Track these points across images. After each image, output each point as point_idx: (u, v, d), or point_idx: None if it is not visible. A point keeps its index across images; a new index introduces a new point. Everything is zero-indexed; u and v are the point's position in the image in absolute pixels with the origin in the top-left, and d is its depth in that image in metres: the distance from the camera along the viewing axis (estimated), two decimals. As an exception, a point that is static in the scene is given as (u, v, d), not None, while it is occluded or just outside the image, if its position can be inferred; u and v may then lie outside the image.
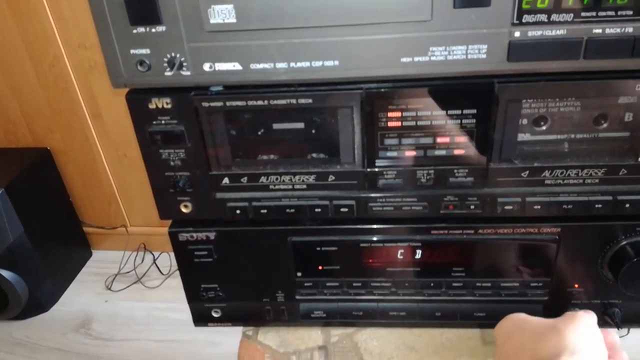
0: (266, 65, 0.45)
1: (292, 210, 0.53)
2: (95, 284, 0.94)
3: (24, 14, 0.81)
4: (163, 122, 0.49)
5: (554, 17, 0.41)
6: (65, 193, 0.98)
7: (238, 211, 0.53)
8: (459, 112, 0.47)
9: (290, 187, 0.52)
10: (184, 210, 0.54)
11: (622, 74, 0.44)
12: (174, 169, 0.52)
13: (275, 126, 0.50)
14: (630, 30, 0.41)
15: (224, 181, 0.52)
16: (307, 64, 0.45)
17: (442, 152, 0.49)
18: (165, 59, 0.45)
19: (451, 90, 0.46)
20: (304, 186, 0.52)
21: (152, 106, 0.49)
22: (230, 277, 0.59)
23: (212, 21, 0.43)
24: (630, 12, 0.41)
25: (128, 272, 0.96)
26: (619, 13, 0.41)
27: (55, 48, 0.84)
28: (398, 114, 0.48)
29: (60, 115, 0.91)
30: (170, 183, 0.52)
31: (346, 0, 0.42)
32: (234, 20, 0.43)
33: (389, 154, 0.50)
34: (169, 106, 0.48)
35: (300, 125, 0.50)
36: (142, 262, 0.98)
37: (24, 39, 0.84)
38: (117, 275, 0.96)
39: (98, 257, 1.03)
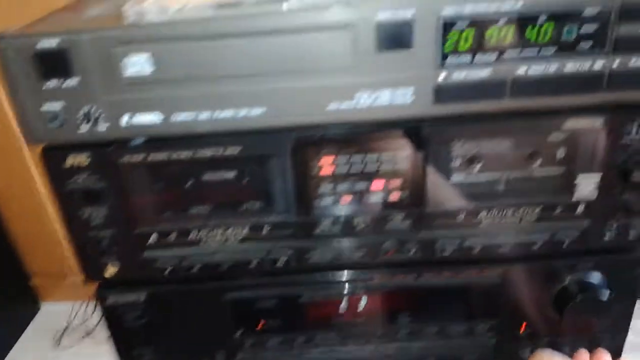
0: (188, 116, 0.43)
1: (226, 266, 0.50)
2: (43, 341, 0.87)
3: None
4: (82, 179, 0.46)
5: (478, 58, 0.41)
6: (6, 240, 0.91)
7: (168, 269, 0.50)
8: (390, 156, 0.46)
9: (223, 240, 0.49)
10: (110, 271, 0.50)
11: (550, 112, 0.44)
12: (96, 228, 0.48)
13: (204, 177, 0.47)
14: (554, 68, 0.41)
15: (151, 239, 0.49)
16: (233, 112, 0.43)
17: (378, 198, 0.48)
18: (80, 114, 0.43)
19: (381, 135, 0.45)
20: (238, 239, 0.49)
21: (69, 163, 0.45)
22: (165, 339, 0.55)
23: (127, 72, 0.41)
24: (553, 51, 0.41)
25: (79, 325, 0.89)
26: (541, 52, 0.41)
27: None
28: (330, 160, 0.47)
29: (1, 157, 0.86)
30: (94, 243, 0.49)
31: (270, 48, 0.41)
32: (151, 71, 0.41)
33: (323, 201, 0.48)
34: (87, 162, 0.45)
35: (230, 175, 0.47)
36: (95, 312, 0.91)
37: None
38: (67, 330, 0.88)
39: (47, 310, 0.96)
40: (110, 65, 0.41)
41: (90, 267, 0.50)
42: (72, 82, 0.42)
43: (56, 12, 0.48)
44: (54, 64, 0.41)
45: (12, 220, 0.91)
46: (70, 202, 0.47)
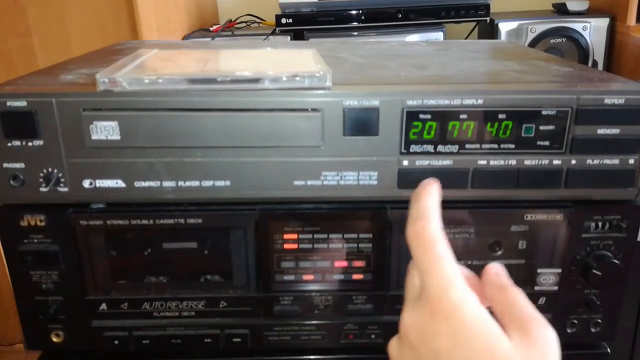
0: (152, 184, 0.43)
1: (179, 341, 0.47)
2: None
3: None
4: (36, 240, 0.45)
5: (440, 147, 0.42)
6: None
7: (116, 341, 0.47)
8: (354, 236, 0.46)
9: (177, 314, 0.47)
10: (54, 339, 0.48)
11: (511, 204, 0.45)
12: (45, 292, 0.46)
13: (163, 246, 0.46)
14: (514, 162, 0.43)
15: (101, 307, 0.47)
16: (197, 183, 0.43)
17: (340, 277, 0.47)
18: (42, 174, 0.42)
19: (346, 214, 0.45)
20: (192, 313, 0.47)
21: (24, 223, 0.44)
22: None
23: (94, 137, 0.41)
24: (513, 146, 0.42)
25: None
26: (502, 146, 0.42)
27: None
28: (294, 237, 0.46)
29: None
30: (41, 308, 0.46)
31: (239, 122, 0.41)
32: (118, 137, 0.41)
33: (285, 277, 0.47)
34: (43, 224, 0.44)
35: (190, 246, 0.46)
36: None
37: None
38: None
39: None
40: (77, 129, 0.41)
41: (35, 334, 0.48)
42: (37, 143, 0.41)
43: (32, 74, 0.48)
44: (21, 124, 0.41)
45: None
46: (21, 263, 0.45)
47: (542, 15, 1.29)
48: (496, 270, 0.33)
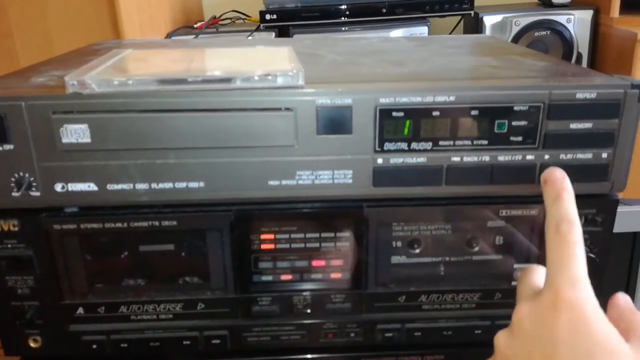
0: (125, 186, 0.42)
1: (157, 344, 0.47)
2: None
3: None
4: (9, 245, 0.44)
5: (414, 145, 0.42)
6: None
7: (94, 346, 0.47)
8: (331, 234, 0.46)
9: (155, 317, 0.47)
10: (32, 345, 0.47)
11: (486, 200, 0.45)
12: (21, 298, 0.46)
13: (139, 249, 0.46)
14: (487, 159, 0.43)
15: (78, 311, 0.46)
16: (171, 185, 0.43)
17: (318, 276, 0.47)
18: (13, 179, 0.42)
19: (322, 213, 0.45)
20: (170, 316, 0.47)
21: (-3, 228, 0.44)
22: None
23: (64, 140, 0.40)
24: (486, 142, 0.42)
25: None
26: (475, 142, 0.42)
27: None
28: (271, 237, 0.46)
29: None
30: (17, 314, 0.46)
31: (210, 123, 0.41)
32: (89, 140, 0.41)
33: (263, 278, 0.47)
34: (16, 229, 0.44)
35: (166, 248, 0.46)
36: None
37: None
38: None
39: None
40: (48, 133, 0.40)
41: (12, 340, 0.47)
42: (7, 147, 0.41)
43: (3, 77, 0.47)
44: (-10, 128, 0.40)
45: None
46: (-5, 269, 0.45)
47: (527, 8, 1.29)
48: (625, 299, 0.34)
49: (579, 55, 1.26)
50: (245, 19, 1.37)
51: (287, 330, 0.48)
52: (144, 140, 0.41)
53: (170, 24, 1.28)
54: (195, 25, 1.29)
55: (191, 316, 0.47)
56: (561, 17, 1.23)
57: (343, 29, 1.19)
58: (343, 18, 1.21)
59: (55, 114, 0.40)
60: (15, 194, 0.42)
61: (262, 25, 1.21)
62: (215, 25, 1.30)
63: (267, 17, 1.19)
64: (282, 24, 1.21)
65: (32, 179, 0.42)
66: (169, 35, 1.23)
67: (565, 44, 1.24)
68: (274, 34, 1.22)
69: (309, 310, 0.48)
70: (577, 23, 1.23)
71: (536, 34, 1.24)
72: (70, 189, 0.42)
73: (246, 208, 0.45)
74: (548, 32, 1.24)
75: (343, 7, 1.20)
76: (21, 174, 0.42)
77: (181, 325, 0.47)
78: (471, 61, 0.55)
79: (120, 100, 0.40)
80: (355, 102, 0.40)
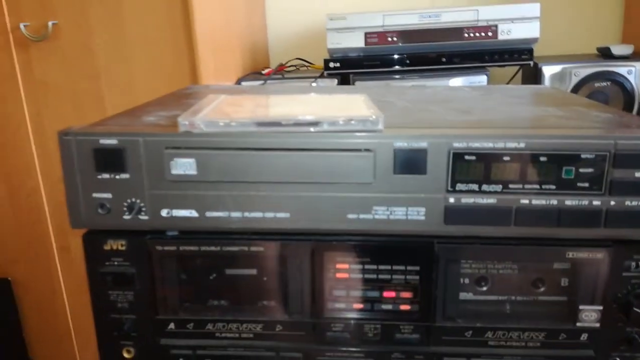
0: (221, 214, 0.48)
1: (237, 361, 0.51)
2: None
3: (8, 145, 0.85)
4: (116, 263, 0.50)
5: (485, 187, 0.45)
6: (18, 327, 0.94)
7: (181, 359, 0.52)
8: (402, 268, 0.49)
9: (237, 335, 0.51)
10: (126, 355, 0.52)
11: (554, 241, 0.47)
12: (120, 311, 0.51)
13: (228, 272, 0.51)
14: (555, 202, 0.45)
15: (169, 326, 0.51)
16: (260, 214, 0.48)
17: (389, 307, 0.50)
18: (125, 204, 0.48)
19: (394, 247, 0.49)
20: (251, 335, 0.51)
21: (107, 247, 0.50)
22: None
23: (173, 172, 0.46)
24: (554, 187, 0.45)
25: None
26: (543, 187, 0.45)
27: (34, 181, 0.86)
28: (346, 267, 0.50)
29: (27, 246, 0.91)
30: (115, 326, 0.51)
31: (298, 160, 0.46)
32: (195, 173, 0.46)
33: (337, 305, 0.51)
34: (124, 248, 0.50)
35: (252, 272, 0.51)
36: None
37: (3, 169, 0.87)
38: None
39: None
40: (159, 165, 0.46)
41: (108, 350, 0.53)
42: (123, 176, 0.47)
43: (117, 116, 0.55)
44: (111, 159, 0.47)
45: (27, 308, 0.94)
46: (102, 283, 0.50)
47: (586, 60, 1.31)
48: None
49: (641, 106, 1.26)
50: (309, 66, 1.45)
51: (357, 356, 0.51)
52: (241, 174, 0.46)
53: (240, 69, 1.38)
54: (263, 72, 1.38)
55: (270, 337, 0.51)
56: (622, 69, 1.24)
57: (403, 77, 1.25)
58: (402, 67, 1.26)
59: (167, 149, 0.46)
60: (126, 217, 0.48)
61: (325, 72, 1.28)
62: (281, 72, 1.39)
63: (331, 65, 1.27)
64: (344, 71, 1.28)
65: (142, 204, 0.48)
66: (239, 80, 1.33)
67: (626, 94, 1.25)
68: (336, 80, 1.29)
69: (378, 339, 0.51)
70: (638, 74, 1.24)
71: (596, 84, 1.25)
72: (174, 214, 0.48)
73: (325, 238, 0.49)
74: (608, 83, 1.25)
75: (403, 56, 1.26)
76: (133, 199, 0.48)
77: (260, 345, 0.51)
78: (536, 110, 0.59)
79: (223, 139, 0.46)
80: (430, 145, 0.45)
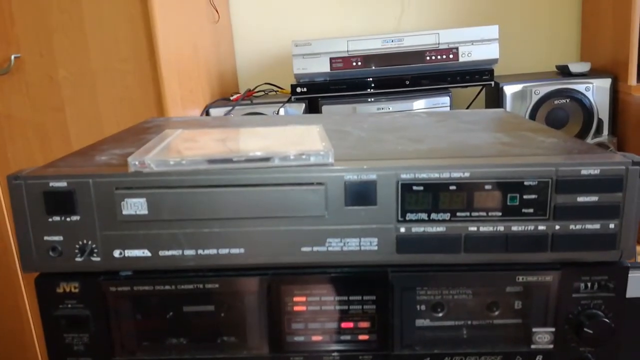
0: (175, 252, 0.48)
1: (197, 400, 0.51)
2: None
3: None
4: (69, 305, 0.49)
5: (433, 215, 0.46)
6: None
7: (139, 400, 0.51)
8: (359, 298, 0.50)
9: (196, 374, 0.51)
10: (83, 399, 0.51)
11: (504, 266, 0.48)
12: (76, 354, 0.50)
13: (185, 309, 0.51)
14: (502, 228, 0.46)
15: (127, 368, 0.51)
16: (214, 251, 0.48)
17: (347, 337, 0.50)
18: (77, 246, 0.47)
19: (349, 278, 0.49)
20: (210, 373, 0.51)
21: (60, 290, 0.49)
22: None
23: (124, 212, 0.46)
24: (500, 214, 0.46)
25: None
26: (490, 214, 0.46)
27: (0, 214, 0.85)
28: (303, 299, 0.50)
29: None
30: (72, 369, 0.51)
31: (251, 196, 0.46)
32: (146, 212, 0.46)
33: (295, 338, 0.51)
34: (77, 290, 0.49)
35: (209, 308, 0.50)
36: None
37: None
38: None
39: None
40: (110, 206, 0.46)
41: (65, 394, 0.52)
42: (74, 218, 0.47)
43: (69, 156, 0.54)
44: (61, 202, 0.46)
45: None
46: (56, 326, 0.50)
47: (546, 78, 1.35)
48: None
49: (600, 122, 1.30)
50: (277, 91, 1.47)
51: (318, 389, 0.51)
52: (193, 212, 0.46)
53: (208, 96, 1.39)
54: (231, 97, 1.39)
55: (229, 374, 0.51)
56: (580, 86, 1.28)
57: (369, 100, 1.27)
58: (369, 90, 1.28)
59: (118, 190, 0.46)
60: (78, 259, 0.48)
61: (292, 97, 1.30)
62: (249, 97, 1.40)
63: (298, 90, 1.28)
64: (311, 96, 1.29)
65: (94, 246, 0.47)
66: (207, 107, 1.33)
67: (585, 111, 1.29)
68: (304, 105, 1.30)
69: (338, 370, 0.51)
70: (596, 91, 1.28)
71: (556, 101, 1.29)
72: (126, 254, 0.48)
73: (281, 272, 0.49)
74: (568, 100, 1.29)
75: (369, 79, 1.28)
76: (85, 241, 0.47)
77: (219, 383, 0.51)
78: (485, 137, 0.60)
79: (174, 178, 0.46)
80: (379, 177, 0.45)
